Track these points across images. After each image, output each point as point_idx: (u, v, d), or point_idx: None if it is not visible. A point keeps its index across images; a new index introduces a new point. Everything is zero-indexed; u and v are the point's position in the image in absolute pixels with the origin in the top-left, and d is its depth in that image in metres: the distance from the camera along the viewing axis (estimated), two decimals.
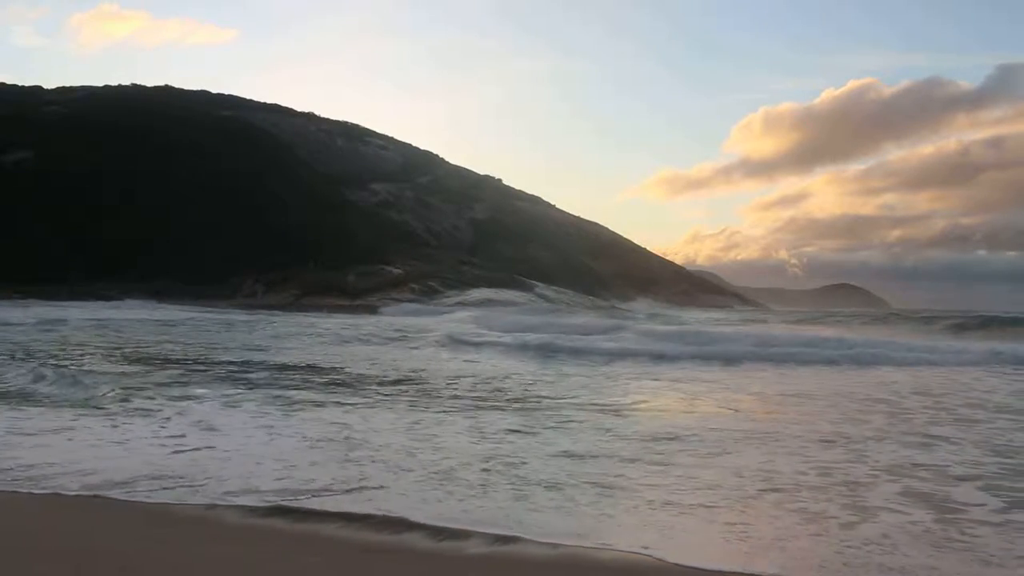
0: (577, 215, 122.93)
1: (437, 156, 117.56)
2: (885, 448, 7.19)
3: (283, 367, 14.30)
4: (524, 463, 6.34)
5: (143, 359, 14.97)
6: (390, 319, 41.17)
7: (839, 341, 19.60)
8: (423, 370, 14.38)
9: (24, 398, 9.41)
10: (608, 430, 7.97)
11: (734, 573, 4.08)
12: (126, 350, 16.99)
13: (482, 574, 4.08)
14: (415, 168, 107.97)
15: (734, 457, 6.71)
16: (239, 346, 19.18)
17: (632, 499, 5.38)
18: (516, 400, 10.29)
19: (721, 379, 13.48)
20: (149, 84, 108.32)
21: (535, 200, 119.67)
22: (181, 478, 5.73)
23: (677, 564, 4.19)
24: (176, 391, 10.25)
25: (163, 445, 6.88)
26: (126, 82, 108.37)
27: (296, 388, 11.15)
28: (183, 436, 7.26)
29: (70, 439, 7.06)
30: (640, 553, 4.34)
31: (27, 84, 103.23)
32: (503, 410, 9.32)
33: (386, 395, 10.68)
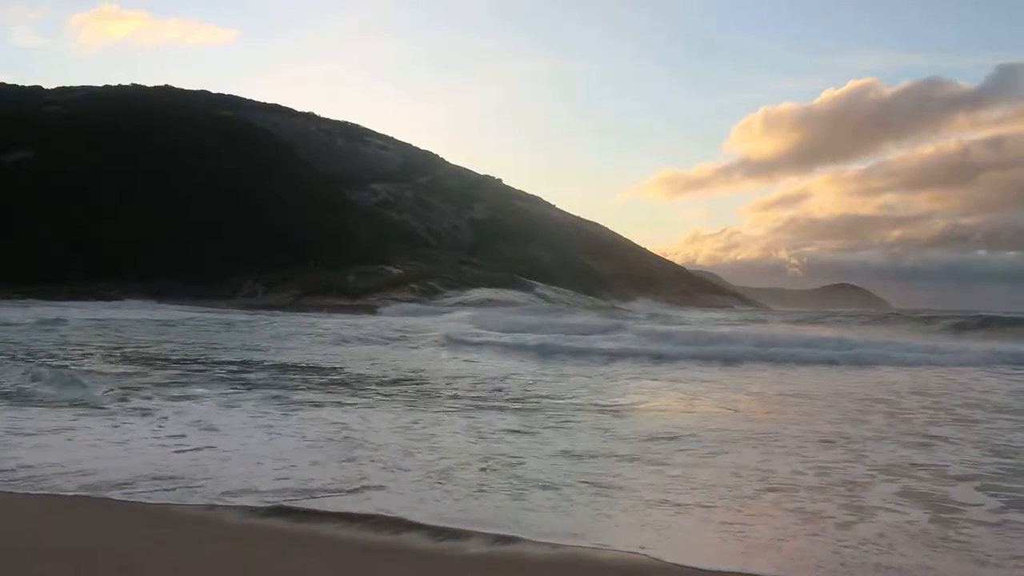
0: (577, 215, 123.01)
1: (437, 156, 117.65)
2: (883, 448, 7.20)
3: (283, 367, 14.32)
4: (523, 463, 6.36)
5: (143, 359, 14.98)
6: (390, 319, 41.19)
7: (839, 341, 19.62)
8: (423, 370, 14.40)
9: (24, 398, 9.42)
10: (607, 430, 7.99)
11: (731, 573, 4.10)
12: (126, 350, 17.00)
13: (482, 574, 4.10)
14: (415, 168, 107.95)
15: (732, 457, 6.73)
16: (239, 346, 19.19)
17: (630, 499, 5.40)
18: (515, 400, 10.31)
19: (720, 379, 13.50)
20: (149, 84, 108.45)
21: (535, 200, 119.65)
22: (181, 478, 5.74)
23: (675, 564, 4.20)
24: (176, 391, 10.27)
25: (163, 445, 6.89)
26: (126, 82, 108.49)
27: (296, 388, 11.17)
28: (183, 436, 7.27)
29: (70, 439, 7.08)
30: (638, 553, 4.35)
31: (27, 84, 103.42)
32: (502, 410, 9.34)
33: (386, 395, 10.70)
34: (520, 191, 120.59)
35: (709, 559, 4.26)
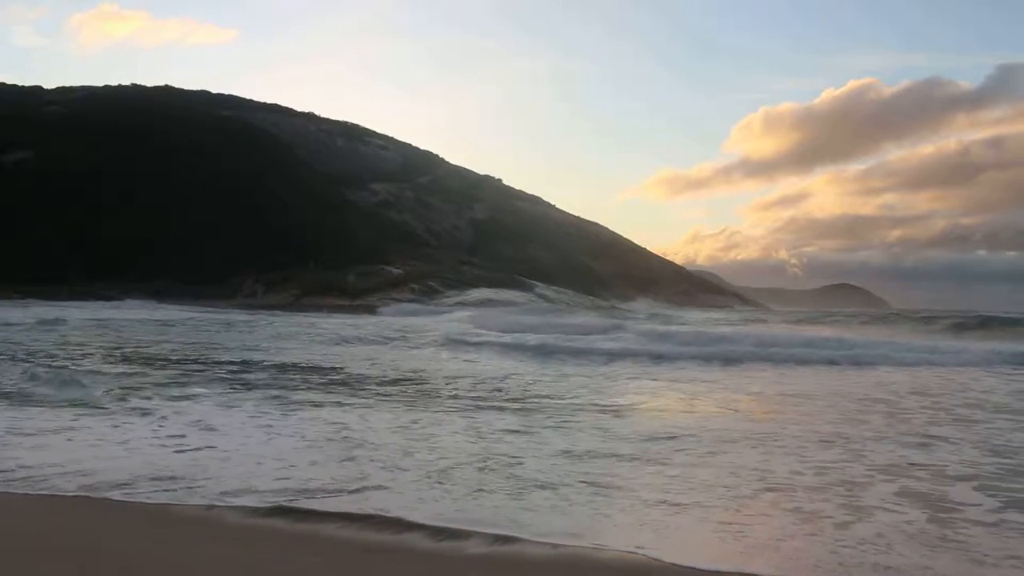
0: (577, 215, 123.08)
1: (437, 156, 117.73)
2: (882, 448, 7.21)
3: (283, 367, 14.34)
4: (522, 463, 6.37)
5: (143, 359, 14.99)
6: (390, 319, 41.20)
7: (839, 341, 19.62)
8: (422, 370, 14.41)
9: (24, 398, 9.43)
10: (606, 430, 8.00)
11: (730, 573, 4.11)
12: (126, 350, 17.01)
13: (482, 574, 4.11)
14: (415, 168, 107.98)
15: (731, 457, 6.74)
16: (239, 346, 19.20)
17: (629, 499, 5.41)
18: (515, 400, 10.32)
19: (720, 379, 13.51)
20: (149, 84, 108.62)
21: (535, 200, 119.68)
22: (181, 478, 5.75)
23: (673, 564, 4.21)
24: (176, 391, 10.28)
25: (163, 445, 6.90)
26: (126, 82, 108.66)
27: (296, 388, 11.19)
28: (183, 436, 7.28)
29: (70, 439, 7.09)
30: (637, 553, 4.36)
31: (27, 84, 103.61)
32: (502, 410, 9.35)
33: (385, 395, 10.71)
34: (520, 191, 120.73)
35: (707, 559, 4.27)
